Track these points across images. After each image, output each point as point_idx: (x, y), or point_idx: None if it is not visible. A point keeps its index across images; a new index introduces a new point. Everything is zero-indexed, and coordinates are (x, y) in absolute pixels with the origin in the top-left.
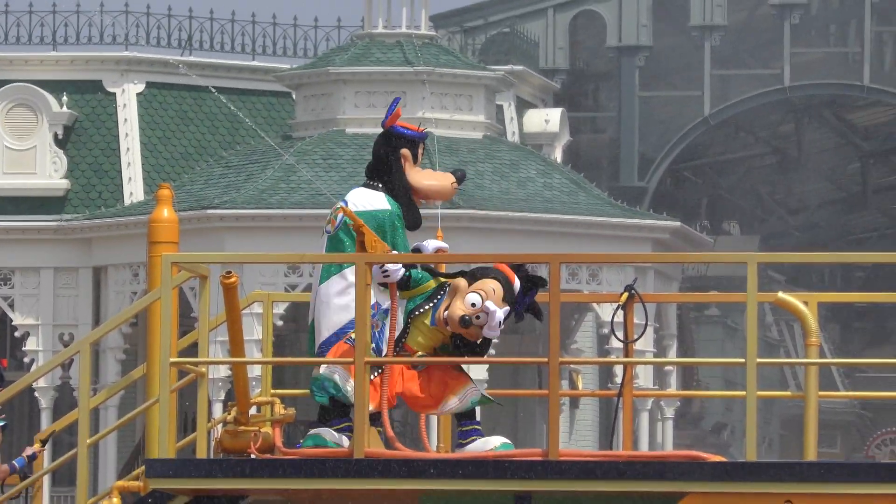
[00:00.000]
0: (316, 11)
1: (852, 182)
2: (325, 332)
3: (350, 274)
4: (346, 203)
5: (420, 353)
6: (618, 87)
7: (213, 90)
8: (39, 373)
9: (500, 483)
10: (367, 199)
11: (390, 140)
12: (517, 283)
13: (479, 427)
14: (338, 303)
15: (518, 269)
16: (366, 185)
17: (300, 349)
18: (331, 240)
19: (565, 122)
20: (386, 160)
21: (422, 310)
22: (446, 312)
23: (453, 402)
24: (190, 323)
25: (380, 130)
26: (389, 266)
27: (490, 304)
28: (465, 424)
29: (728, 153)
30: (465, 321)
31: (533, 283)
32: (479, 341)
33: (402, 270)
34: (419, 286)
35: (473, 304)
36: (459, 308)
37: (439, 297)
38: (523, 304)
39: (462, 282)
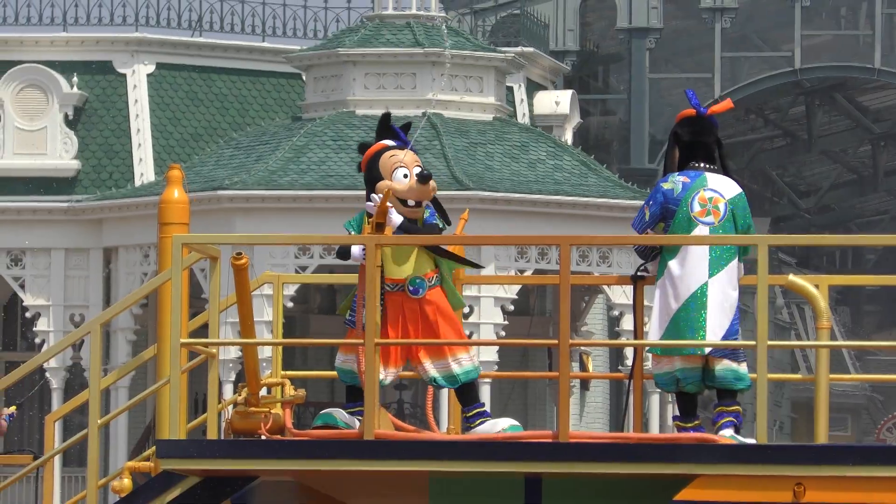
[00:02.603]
0: None
1: (863, 165)
2: (719, 330)
3: (733, 269)
4: (720, 193)
5: (409, 274)
6: (628, 70)
7: (221, 75)
8: (50, 353)
9: (511, 465)
10: (731, 185)
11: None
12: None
13: (484, 409)
14: (724, 302)
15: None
16: (712, 171)
17: (310, 331)
18: (715, 231)
19: (575, 103)
20: (719, 145)
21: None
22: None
23: (430, 370)
24: (200, 304)
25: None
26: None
27: (375, 197)
28: (469, 409)
29: (738, 135)
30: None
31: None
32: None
33: (401, 219)
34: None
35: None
36: (395, 214)
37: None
38: (404, 139)
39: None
